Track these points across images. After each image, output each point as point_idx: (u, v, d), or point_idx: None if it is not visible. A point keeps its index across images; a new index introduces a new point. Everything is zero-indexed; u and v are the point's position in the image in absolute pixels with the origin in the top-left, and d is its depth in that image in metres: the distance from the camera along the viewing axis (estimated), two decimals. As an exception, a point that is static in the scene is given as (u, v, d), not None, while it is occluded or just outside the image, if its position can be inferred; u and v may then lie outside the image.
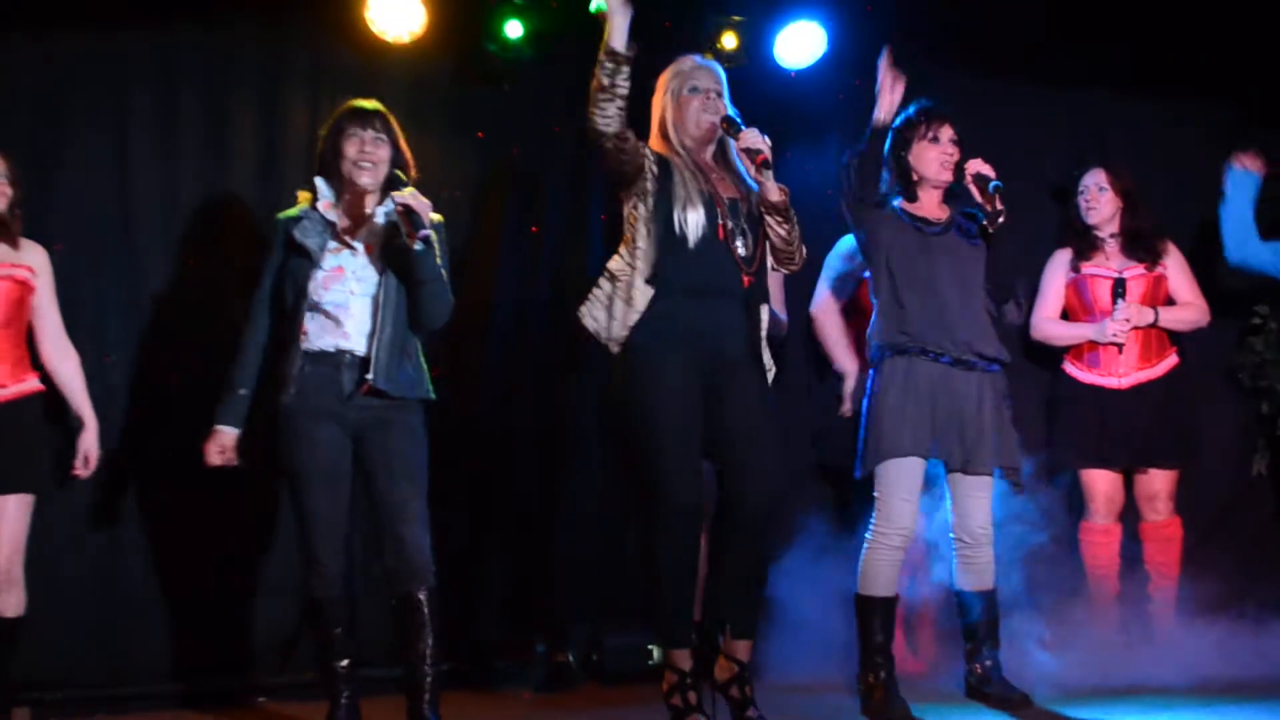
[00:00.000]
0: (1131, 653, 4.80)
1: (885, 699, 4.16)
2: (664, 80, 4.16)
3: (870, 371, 4.36)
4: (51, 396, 4.30)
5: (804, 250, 4.19)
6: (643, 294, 3.93)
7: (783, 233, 4.10)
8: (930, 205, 4.44)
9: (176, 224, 4.88)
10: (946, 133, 4.40)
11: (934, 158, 4.39)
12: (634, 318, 3.92)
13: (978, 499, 4.32)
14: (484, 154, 5.36)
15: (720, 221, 4.00)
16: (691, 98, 4.10)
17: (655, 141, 4.12)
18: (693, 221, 3.95)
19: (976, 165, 4.36)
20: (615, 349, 3.96)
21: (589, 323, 4.00)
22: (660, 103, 4.15)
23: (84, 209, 4.76)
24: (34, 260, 4.25)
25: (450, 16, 5.14)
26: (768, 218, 4.09)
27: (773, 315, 4.93)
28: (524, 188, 5.38)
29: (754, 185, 4.10)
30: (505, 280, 5.32)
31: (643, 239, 3.97)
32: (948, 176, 4.42)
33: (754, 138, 4.00)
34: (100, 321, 4.72)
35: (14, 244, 4.20)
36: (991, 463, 4.29)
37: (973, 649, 4.36)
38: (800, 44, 5.52)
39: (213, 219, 4.93)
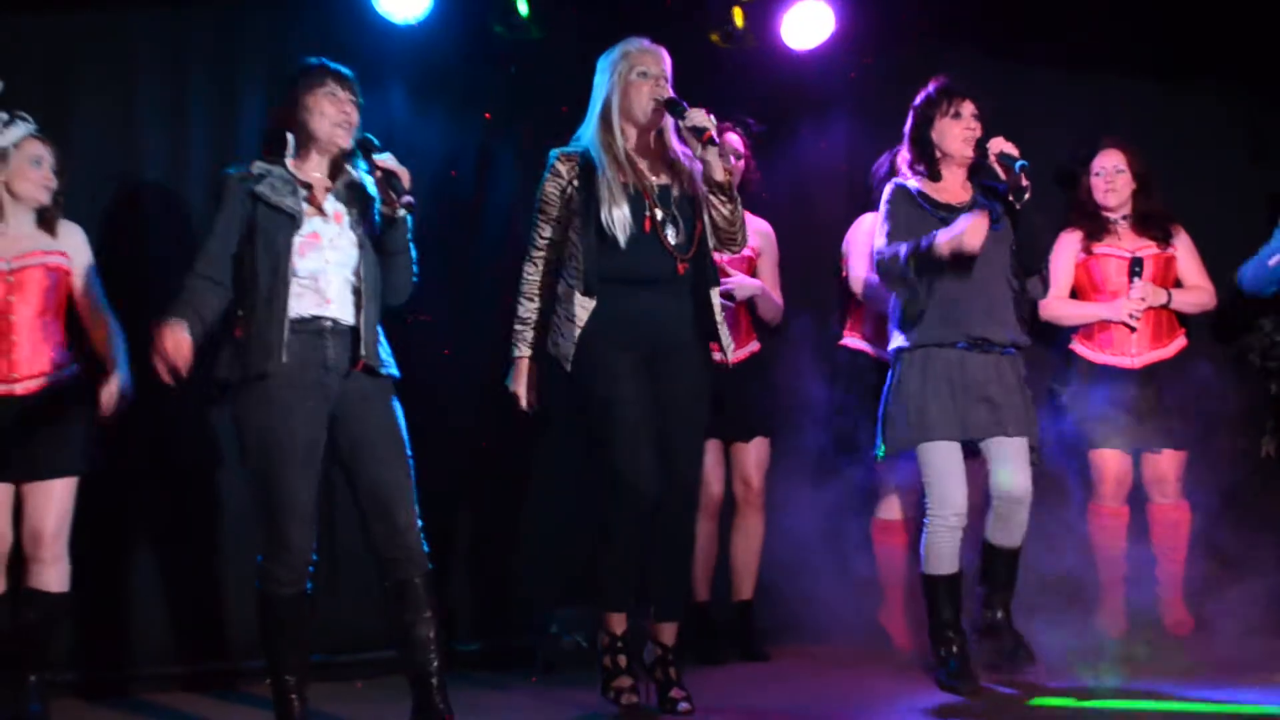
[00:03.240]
0: (1136, 635, 4.80)
1: (959, 671, 4.24)
2: (609, 62, 4.09)
3: (891, 363, 4.43)
4: (88, 375, 4.27)
5: (746, 232, 4.19)
6: (583, 308, 3.98)
7: (725, 212, 4.08)
8: (954, 185, 4.46)
9: (183, 201, 4.89)
10: (968, 108, 4.42)
11: (957, 134, 4.41)
12: (576, 333, 3.98)
13: (1015, 465, 4.34)
14: (492, 135, 5.34)
15: (647, 214, 4.00)
16: (641, 83, 4.05)
17: (592, 126, 4.08)
18: (619, 219, 3.97)
19: (999, 144, 4.34)
20: (567, 366, 4.01)
21: (551, 349, 4.07)
22: (605, 85, 4.09)
23: (92, 184, 4.75)
24: (69, 244, 4.27)
25: (457, -2, 5.13)
26: (711, 197, 4.06)
27: (755, 301, 4.92)
28: (533, 169, 5.36)
29: (695, 169, 4.06)
30: (514, 262, 5.30)
31: (577, 254, 4.00)
32: (971, 152, 4.41)
33: (699, 117, 3.96)
34: (107, 293, 4.71)
35: (52, 231, 4.23)
36: (1020, 429, 4.34)
37: (988, 595, 4.44)
38: (808, 24, 5.47)
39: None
